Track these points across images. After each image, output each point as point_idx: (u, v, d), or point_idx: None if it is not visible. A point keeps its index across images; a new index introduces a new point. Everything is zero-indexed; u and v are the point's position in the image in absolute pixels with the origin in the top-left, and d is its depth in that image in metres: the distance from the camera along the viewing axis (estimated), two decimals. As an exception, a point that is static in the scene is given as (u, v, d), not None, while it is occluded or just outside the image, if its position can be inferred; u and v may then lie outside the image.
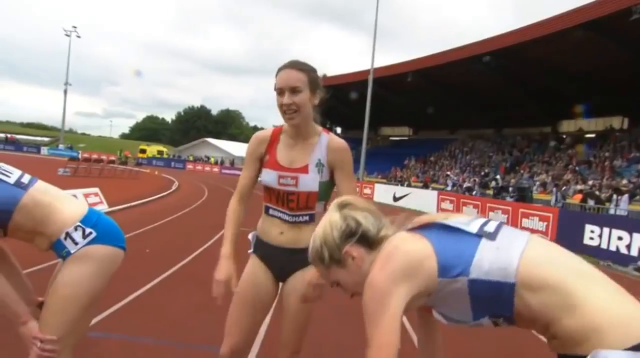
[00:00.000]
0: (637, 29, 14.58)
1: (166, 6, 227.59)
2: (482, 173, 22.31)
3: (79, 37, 41.43)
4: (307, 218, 1.54)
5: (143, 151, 46.97)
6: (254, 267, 1.64)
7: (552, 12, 16.97)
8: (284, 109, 1.48)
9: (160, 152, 48.84)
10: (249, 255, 1.68)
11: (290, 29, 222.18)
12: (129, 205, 9.04)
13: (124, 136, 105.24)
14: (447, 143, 30.15)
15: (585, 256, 7.92)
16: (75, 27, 40.78)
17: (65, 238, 1.43)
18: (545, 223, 9.08)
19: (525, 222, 9.67)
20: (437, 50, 22.71)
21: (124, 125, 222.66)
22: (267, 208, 1.61)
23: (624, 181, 16.55)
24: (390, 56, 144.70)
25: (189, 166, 39.66)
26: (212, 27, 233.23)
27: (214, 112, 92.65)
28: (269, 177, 1.57)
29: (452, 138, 31.01)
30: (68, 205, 1.51)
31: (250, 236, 1.69)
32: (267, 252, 1.60)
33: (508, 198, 12.25)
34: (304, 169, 1.52)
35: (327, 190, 1.56)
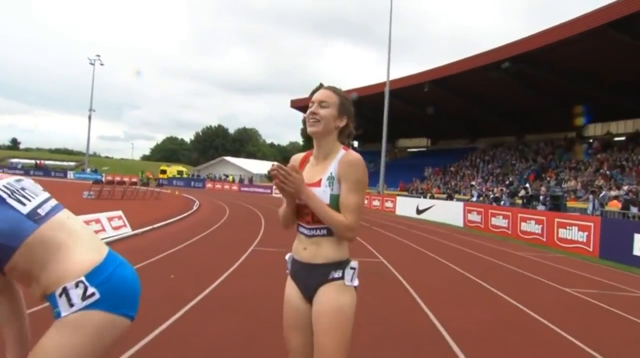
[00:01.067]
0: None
1: (181, 29, 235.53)
2: (507, 181, 21.64)
3: (102, 64, 43.04)
4: (324, 231, 1.57)
5: (164, 172, 47.87)
6: (288, 287, 1.68)
7: (565, 16, 16.53)
8: (309, 118, 1.60)
9: (180, 172, 49.68)
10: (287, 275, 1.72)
11: (302, 46, 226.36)
12: (151, 227, 8.98)
13: (144, 157, 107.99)
14: (467, 152, 29.56)
15: (636, 268, 7.41)
16: (99, 55, 42.44)
17: (61, 295, 1.17)
18: (586, 233, 8.53)
19: (563, 232, 9.13)
20: (452, 59, 22.48)
21: (145, 147, 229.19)
22: (297, 227, 1.68)
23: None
24: (405, 67, 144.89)
25: (209, 185, 40.07)
26: (226, 47, 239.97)
27: (231, 130, 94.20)
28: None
29: (473, 147, 30.40)
30: (80, 249, 1.24)
31: (287, 257, 1.73)
32: (295, 268, 1.66)
33: (540, 208, 11.67)
34: (317, 183, 1.58)
35: (336, 201, 1.58)
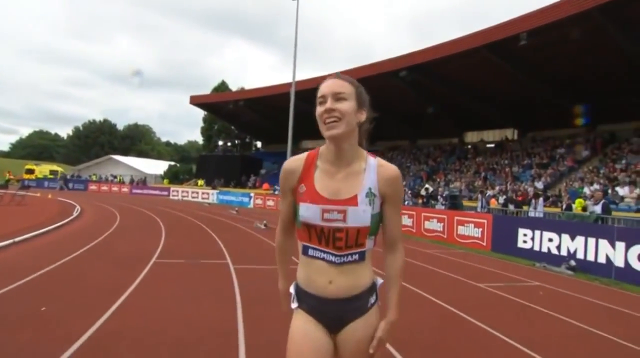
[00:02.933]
0: (527, 52, 16.71)
1: (51, 8, 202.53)
2: (404, 182, 23.43)
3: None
4: (356, 256, 1.30)
5: (30, 171, 40.45)
6: (303, 321, 1.35)
7: (444, 34, 18.70)
8: (324, 117, 1.27)
9: (53, 172, 42.53)
10: (293, 310, 1.40)
11: (199, 41, 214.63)
12: (12, 241, 6.97)
13: (2, 154, 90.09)
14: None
15: (521, 259, 8.45)
16: None
17: None
18: (481, 229, 9.47)
19: (462, 229, 10.02)
20: (351, 64, 23.48)
21: (3, 142, 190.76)
22: (305, 249, 1.33)
23: (523, 185, 18.67)
24: (307, 70, 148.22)
25: (92, 187, 35.04)
26: (113, 36, 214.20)
27: (120, 126, 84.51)
28: (309, 212, 1.30)
29: (372, 149, 32.30)
30: None
31: (291, 289, 1.43)
32: (315, 305, 1.33)
33: (438, 206, 12.69)
34: (353, 201, 1.28)
35: (377, 224, 1.34)
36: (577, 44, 15.20)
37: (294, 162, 1.38)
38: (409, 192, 17.58)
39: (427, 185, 16.44)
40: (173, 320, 3.59)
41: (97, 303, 3.87)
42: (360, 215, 1.27)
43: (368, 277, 1.33)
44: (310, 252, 1.31)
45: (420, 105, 24.71)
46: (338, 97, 1.27)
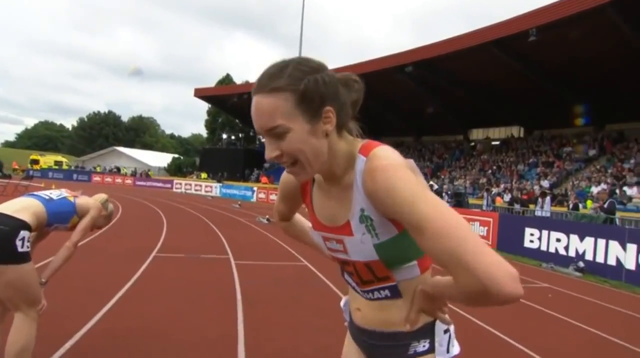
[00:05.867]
0: (535, 49, 16.43)
1: (54, 0, 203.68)
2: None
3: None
4: (387, 292, 0.95)
5: (35, 162, 40.57)
6: (347, 342, 1.16)
7: (447, 33, 18.44)
8: (274, 160, 0.86)
9: (58, 163, 42.67)
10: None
11: (203, 35, 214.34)
12: None
13: (7, 144, 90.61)
14: (372, 150, 31.08)
15: (527, 259, 8.30)
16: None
17: None
18: (486, 228, 9.31)
19: (467, 228, 9.85)
20: (355, 60, 23.27)
21: (9, 132, 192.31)
22: (340, 269, 1.09)
23: (529, 183, 18.46)
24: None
25: (96, 178, 35.10)
26: (116, 29, 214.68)
27: (124, 118, 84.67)
28: (316, 239, 1.06)
29: (377, 145, 32.05)
30: None
31: (342, 303, 1.20)
32: (352, 329, 1.13)
33: (443, 204, 12.55)
34: (347, 229, 0.91)
35: (403, 248, 0.89)
36: (587, 41, 14.89)
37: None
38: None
39: (431, 182, 16.23)
40: (170, 320, 3.48)
41: (92, 300, 3.77)
42: (359, 248, 0.91)
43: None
44: (345, 274, 1.07)
45: (425, 101, 24.46)
46: (274, 132, 0.82)
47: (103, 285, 4.31)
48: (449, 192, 13.67)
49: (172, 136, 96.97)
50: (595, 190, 13.89)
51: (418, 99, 24.45)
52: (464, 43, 18.16)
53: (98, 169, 40.19)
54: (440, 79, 21.59)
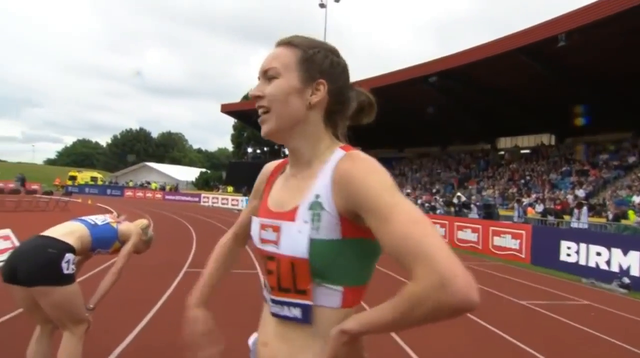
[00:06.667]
0: (563, 55, 15.97)
1: (91, 25, 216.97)
2: (434, 190, 22.84)
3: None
4: (297, 312, 0.81)
5: (73, 178, 42.59)
6: None
7: (473, 41, 18.23)
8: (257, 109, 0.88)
9: (94, 179, 44.60)
10: None
11: (229, 52, 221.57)
12: None
13: (49, 162, 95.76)
14: (396, 161, 30.79)
15: (564, 273, 7.93)
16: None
17: None
18: (519, 240, 8.99)
19: (498, 240, 9.55)
20: (375, 72, 23.33)
21: (50, 150, 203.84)
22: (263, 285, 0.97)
23: (562, 193, 17.71)
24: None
25: (128, 193, 36.45)
26: (144, 49, 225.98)
27: (154, 134, 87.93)
28: (252, 228, 0.94)
29: (401, 156, 31.76)
30: None
31: (250, 340, 1.05)
32: None
33: (472, 215, 12.22)
34: (291, 214, 0.83)
35: (336, 259, 0.79)
36: (619, 44, 14.34)
37: (269, 164, 1.07)
38: (441, 200, 17.06)
39: (458, 193, 15.88)
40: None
41: (129, 316, 3.89)
42: (294, 238, 0.79)
43: None
44: (264, 288, 0.93)
45: (450, 110, 24.12)
46: (268, 74, 0.86)
47: (138, 301, 4.45)
48: (478, 203, 13.30)
49: (199, 151, 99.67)
50: (637, 199, 13.16)
51: (443, 109, 24.16)
52: (490, 51, 17.89)
53: (130, 184, 41.72)
54: (465, 88, 21.29)
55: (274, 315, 0.85)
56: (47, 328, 2.30)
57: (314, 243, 0.77)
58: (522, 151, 25.20)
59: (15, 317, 3.58)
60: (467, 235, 10.53)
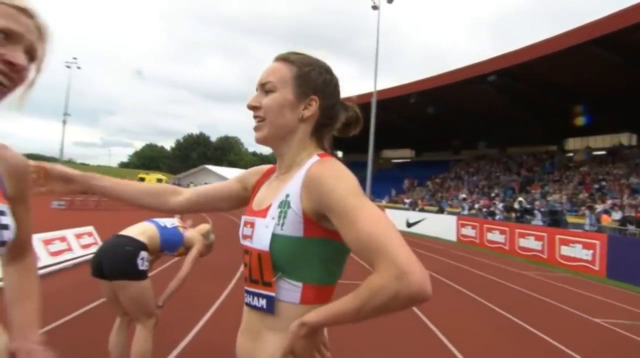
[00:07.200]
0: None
1: (158, 37, 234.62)
2: (492, 194, 21.61)
3: (79, 68, 41.37)
4: (264, 302, 0.88)
5: (142, 180, 46.24)
6: None
7: (529, 37, 16.99)
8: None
9: (159, 180, 48.06)
10: None
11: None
12: None
13: (122, 165, 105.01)
14: (452, 164, 29.63)
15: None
16: (75, 58, 40.74)
17: None
18: (591, 251, 8.24)
19: (566, 250, 8.83)
20: (427, 73, 22.63)
21: (123, 154, 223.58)
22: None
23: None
24: (383, 79, 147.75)
25: (189, 194, 38.71)
26: (203, 55, 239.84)
27: (213, 138, 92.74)
28: (241, 228, 1.02)
29: (457, 159, 30.51)
30: None
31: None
32: None
33: (535, 222, 11.41)
34: (264, 211, 0.91)
35: (297, 255, 0.84)
36: None
37: (263, 167, 1.15)
38: (500, 205, 16.13)
39: (520, 198, 14.90)
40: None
41: (192, 312, 4.16)
42: (262, 232, 0.87)
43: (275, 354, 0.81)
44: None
45: (510, 110, 22.76)
46: (265, 88, 0.95)
47: (200, 298, 4.74)
48: (542, 210, 12.39)
49: (254, 154, 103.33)
50: None
51: (503, 109, 22.86)
52: (557, 45, 16.62)
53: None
54: (528, 86, 19.98)
55: (247, 304, 0.93)
56: (125, 320, 2.55)
57: (276, 238, 0.85)
58: (596, 152, 23.06)
59: (100, 304, 3.99)
60: (529, 242, 9.85)
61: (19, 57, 0.75)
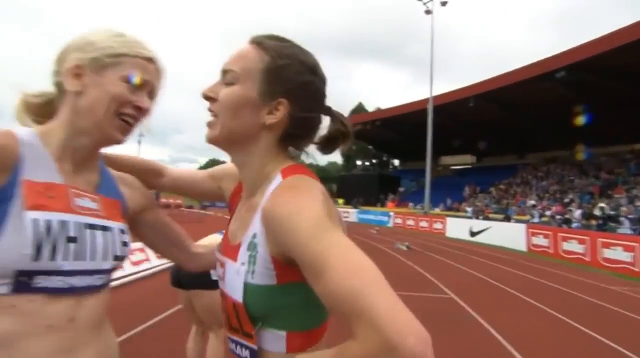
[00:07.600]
0: None
1: (218, 55, 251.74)
2: (566, 200, 19.87)
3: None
4: (247, 353, 0.74)
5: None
6: None
7: (594, 29, 15.38)
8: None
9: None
10: None
11: (332, 69, 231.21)
12: None
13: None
14: (517, 169, 27.83)
15: None
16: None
17: None
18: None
19: (662, 262, 7.87)
20: (483, 74, 21.55)
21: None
22: None
23: None
24: (438, 84, 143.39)
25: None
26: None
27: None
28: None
29: (522, 163, 28.61)
30: None
31: None
32: None
33: (622, 230, 10.31)
34: (235, 252, 0.75)
35: (274, 306, 0.71)
36: None
37: (232, 169, 0.96)
38: (577, 212, 14.78)
39: (601, 204, 13.56)
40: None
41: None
42: (233, 279, 0.74)
43: None
44: None
45: (583, 108, 20.92)
46: (225, 76, 0.76)
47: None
48: (630, 217, 11.16)
49: (310, 165, 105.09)
50: None
51: (573, 106, 21.13)
52: (638, 33, 15.07)
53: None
54: (603, 80, 18.29)
55: (232, 352, 0.79)
56: (200, 329, 2.71)
57: (248, 288, 0.70)
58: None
59: (178, 311, 4.33)
60: (617, 253, 8.90)
61: (146, 102, 0.83)
